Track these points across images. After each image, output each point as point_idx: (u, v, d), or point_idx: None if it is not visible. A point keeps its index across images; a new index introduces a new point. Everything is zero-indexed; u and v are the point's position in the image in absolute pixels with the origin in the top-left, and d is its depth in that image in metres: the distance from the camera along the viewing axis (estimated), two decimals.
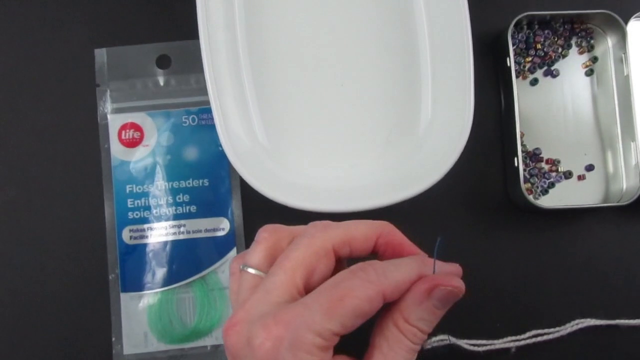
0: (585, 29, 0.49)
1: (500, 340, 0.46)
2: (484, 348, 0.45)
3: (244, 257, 0.32)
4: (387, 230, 0.31)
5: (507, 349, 0.46)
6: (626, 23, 0.47)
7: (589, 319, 0.47)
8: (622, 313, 0.47)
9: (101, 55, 0.48)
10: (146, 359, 0.46)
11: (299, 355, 0.26)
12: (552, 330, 0.46)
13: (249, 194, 0.46)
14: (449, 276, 0.29)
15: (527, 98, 0.49)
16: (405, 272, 0.29)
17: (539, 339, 0.46)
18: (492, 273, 0.48)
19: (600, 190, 0.48)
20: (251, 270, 0.30)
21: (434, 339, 0.37)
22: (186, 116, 0.47)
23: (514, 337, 0.46)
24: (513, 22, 0.46)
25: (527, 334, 0.46)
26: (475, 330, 0.44)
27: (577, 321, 0.47)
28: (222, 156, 0.46)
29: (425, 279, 0.29)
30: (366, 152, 0.47)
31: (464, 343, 0.43)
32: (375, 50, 0.48)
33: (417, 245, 0.32)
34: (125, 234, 0.46)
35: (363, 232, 0.30)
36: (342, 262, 0.32)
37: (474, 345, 0.45)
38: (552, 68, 0.49)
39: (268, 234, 0.31)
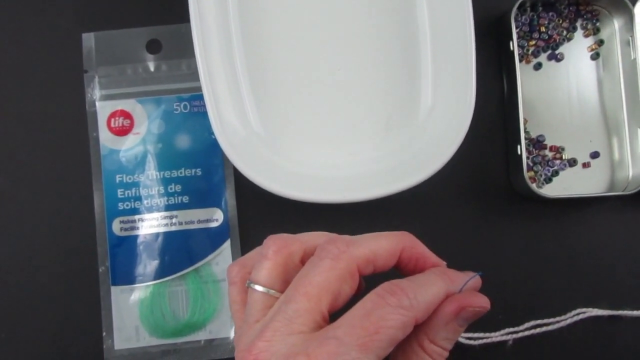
0: (591, 10, 0.48)
1: (497, 333, 0.45)
2: (480, 341, 0.45)
3: (244, 265, 0.31)
4: (409, 243, 0.30)
5: (505, 342, 0.45)
6: (634, 4, 0.46)
7: (590, 309, 0.47)
8: (626, 304, 0.47)
9: (89, 39, 0.47)
10: (138, 353, 0.45)
11: None
12: (551, 320, 0.46)
13: (243, 183, 0.45)
14: (475, 295, 0.29)
15: (530, 83, 0.48)
16: (434, 292, 0.28)
17: (538, 330, 0.46)
18: (493, 263, 0.48)
19: (605, 179, 0.48)
20: (260, 288, 0.29)
21: None
22: (178, 103, 0.47)
23: (511, 329, 0.46)
24: (516, 4, 0.45)
25: (525, 325, 0.46)
26: (475, 321, 0.43)
27: (577, 311, 0.46)
28: (215, 145, 0.45)
29: (452, 299, 0.29)
30: (365, 139, 0.46)
31: (460, 336, 0.42)
32: (373, 33, 0.47)
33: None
34: (116, 225, 0.46)
35: (387, 249, 0.29)
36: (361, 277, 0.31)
37: (469, 338, 0.44)
38: (557, 52, 0.48)
39: (277, 248, 0.29)
